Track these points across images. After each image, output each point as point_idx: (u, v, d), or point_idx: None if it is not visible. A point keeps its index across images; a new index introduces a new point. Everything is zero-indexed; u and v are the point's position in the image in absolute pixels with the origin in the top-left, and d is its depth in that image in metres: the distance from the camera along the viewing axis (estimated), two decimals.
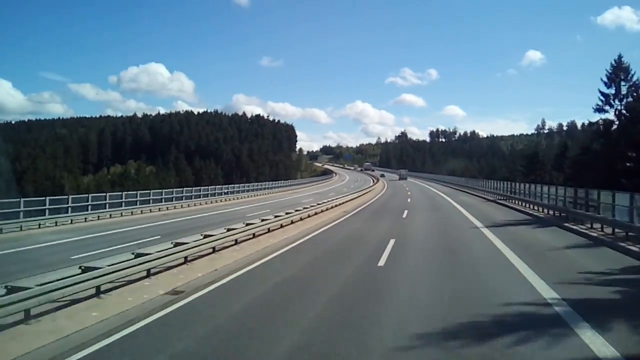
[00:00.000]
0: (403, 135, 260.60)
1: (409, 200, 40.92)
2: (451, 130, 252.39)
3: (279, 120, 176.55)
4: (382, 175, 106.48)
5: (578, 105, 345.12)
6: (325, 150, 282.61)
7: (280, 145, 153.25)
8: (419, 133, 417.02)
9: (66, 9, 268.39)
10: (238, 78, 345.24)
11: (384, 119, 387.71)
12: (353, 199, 37.16)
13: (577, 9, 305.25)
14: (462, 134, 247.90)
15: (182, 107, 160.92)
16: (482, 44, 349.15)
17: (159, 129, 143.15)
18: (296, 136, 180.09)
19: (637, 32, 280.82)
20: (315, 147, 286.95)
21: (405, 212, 28.17)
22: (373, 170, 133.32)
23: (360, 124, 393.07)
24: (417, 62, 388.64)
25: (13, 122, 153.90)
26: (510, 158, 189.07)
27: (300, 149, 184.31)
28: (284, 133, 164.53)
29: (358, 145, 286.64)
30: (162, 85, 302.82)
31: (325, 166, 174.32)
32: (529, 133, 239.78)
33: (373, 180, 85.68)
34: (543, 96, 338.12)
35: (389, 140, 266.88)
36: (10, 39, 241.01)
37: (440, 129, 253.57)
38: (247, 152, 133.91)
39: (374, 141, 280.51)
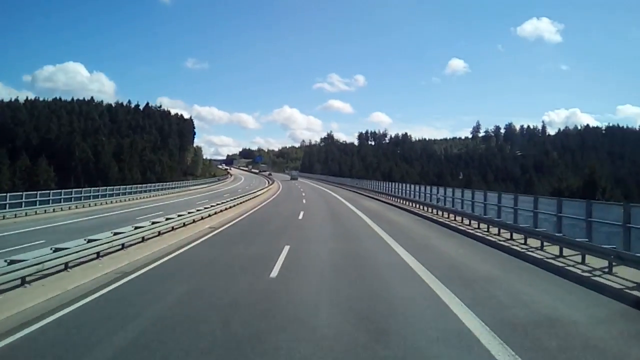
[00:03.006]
0: (329, 137, 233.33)
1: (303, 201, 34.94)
2: (381, 132, 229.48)
3: (170, 112, 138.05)
4: (270, 174, 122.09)
5: (500, 114, 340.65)
6: (244, 153, 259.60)
7: (165, 142, 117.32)
8: (347, 139, 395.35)
9: None
10: (162, 80, 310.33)
11: (311, 125, 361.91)
12: (221, 211, 24.86)
13: (498, 19, 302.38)
14: (392, 136, 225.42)
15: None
16: (408, 52, 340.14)
17: None
18: (194, 132, 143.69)
19: (555, 43, 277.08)
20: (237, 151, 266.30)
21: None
22: (269, 173, 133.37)
23: (288, 130, 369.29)
24: (345, 68, 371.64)
25: None
26: (447, 162, 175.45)
27: (199, 148, 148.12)
28: (175, 127, 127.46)
29: (280, 148, 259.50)
30: (81, 85, 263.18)
31: (232, 170, 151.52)
32: (462, 137, 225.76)
33: (268, 182, 78.39)
34: (465, 104, 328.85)
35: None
36: None
37: (369, 131, 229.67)
38: (115, 148, 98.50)
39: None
